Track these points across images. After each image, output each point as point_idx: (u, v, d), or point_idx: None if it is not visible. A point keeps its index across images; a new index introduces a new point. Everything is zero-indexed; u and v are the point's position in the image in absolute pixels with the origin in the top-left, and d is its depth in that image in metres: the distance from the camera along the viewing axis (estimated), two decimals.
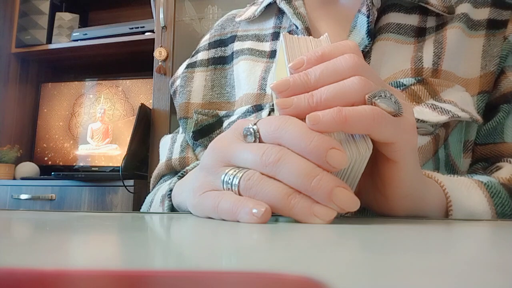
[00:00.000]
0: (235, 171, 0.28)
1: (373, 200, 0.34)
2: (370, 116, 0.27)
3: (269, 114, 0.50)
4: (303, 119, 0.27)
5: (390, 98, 0.28)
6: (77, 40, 1.91)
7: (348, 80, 0.28)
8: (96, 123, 1.94)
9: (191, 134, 0.56)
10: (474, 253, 0.16)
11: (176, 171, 0.58)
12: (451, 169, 0.49)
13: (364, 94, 0.28)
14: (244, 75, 0.55)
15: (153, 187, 0.62)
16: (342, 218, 0.34)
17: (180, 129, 0.63)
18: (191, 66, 0.62)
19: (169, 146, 0.61)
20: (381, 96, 0.28)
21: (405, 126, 0.29)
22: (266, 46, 0.56)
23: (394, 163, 0.30)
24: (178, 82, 0.63)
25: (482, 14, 0.52)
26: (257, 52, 0.56)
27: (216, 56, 0.61)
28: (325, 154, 0.25)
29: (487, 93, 0.50)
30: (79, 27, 1.99)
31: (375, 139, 0.28)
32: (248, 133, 0.29)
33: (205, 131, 0.56)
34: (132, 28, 1.83)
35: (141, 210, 0.58)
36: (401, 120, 0.28)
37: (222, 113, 0.56)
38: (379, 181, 0.32)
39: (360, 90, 0.28)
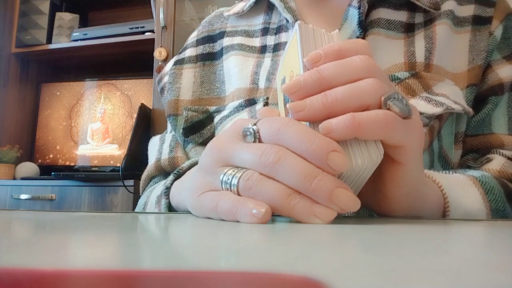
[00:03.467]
0: (234, 171, 0.28)
1: (373, 200, 0.34)
2: (383, 121, 0.26)
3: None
4: (317, 120, 0.27)
5: (402, 101, 0.28)
6: (77, 40, 1.91)
7: (363, 81, 0.28)
8: (96, 123, 1.94)
9: (181, 131, 0.56)
10: (473, 253, 0.16)
11: (165, 171, 0.58)
12: (444, 161, 0.51)
13: (379, 96, 0.27)
14: (236, 70, 0.55)
15: (143, 190, 0.61)
16: (342, 218, 0.34)
17: (169, 128, 0.62)
18: (179, 62, 0.62)
19: (158, 147, 0.60)
20: (394, 98, 0.27)
21: (414, 129, 0.29)
22: (256, 42, 0.57)
23: (400, 164, 0.30)
24: (166, 79, 0.62)
25: (467, 10, 0.54)
26: (248, 48, 0.57)
27: (204, 52, 0.61)
28: (325, 157, 0.25)
29: (475, 86, 0.52)
30: (79, 27, 1.99)
31: (386, 142, 0.28)
32: (248, 133, 0.29)
33: (196, 128, 0.56)
34: (132, 28, 1.83)
35: None
36: (410, 122, 0.28)
37: (212, 108, 0.56)
38: (380, 180, 0.32)
39: (376, 92, 0.27)
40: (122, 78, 1.94)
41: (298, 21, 0.31)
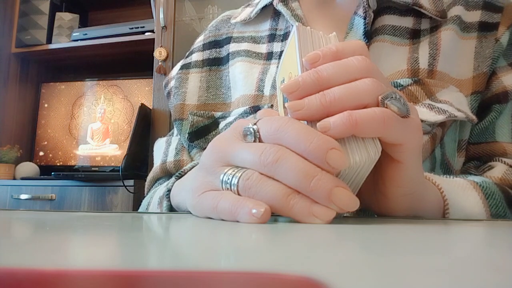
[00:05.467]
0: (234, 170, 0.28)
1: (372, 200, 0.34)
2: (380, 118, 0.27)
3: None
4: (316, 120, 0.27)
5: (400, 100, 0.28)
6: (77, 40, 1.91)
7: (360, 81, 0.28)
8: (96, 123, 1.94)
9: (186, 135, 0.56)
10: (473, 253, 0.16)
11: (171, 174, 0.58)
12: (446, 168, 0.50)
13: (377, 95, 0.28)
14: (241, 76, 0.55)
15: (148, 191, 0.61)
16: (342, 218, 0.34)
17: (175, 131, 0.62)
18: (185, 67, 0.62)
19: (164, 150, 0.60)
20: (392, 97, 0.28)
21: (412, 127, 0.29)
22: (263, 48, 0.57)
23: (399, 163, 0.30)
24: (172, 83, 0.62)
25: (474, 16, 0.53)
26: (254, 54, 0.56)
27: (211, 57, 0.61)
28: (325, 155, 0.25)
29: (480, 93, 0.51)
30: (79, 27, 1.99)
31: (384, 140, 0.28)
32: (248, 133, 0.29)
33: (201, 133, 0.56)
34: (132, 28, 1.83)
35: None
36: (408, 121, 0.28)
37: (217, 114, 0.56)
38: (380, 180, 0.32)
39: (373, 91, 0.27)
40: (122, 78, 1.94)
41: (296, 23, 0.31)
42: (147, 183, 0.62)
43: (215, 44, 0.61)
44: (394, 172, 0.30)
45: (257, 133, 0.29)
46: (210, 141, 0.32)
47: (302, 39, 0.31)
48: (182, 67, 0.62)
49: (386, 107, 0.27)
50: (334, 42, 0.32)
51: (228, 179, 0.28)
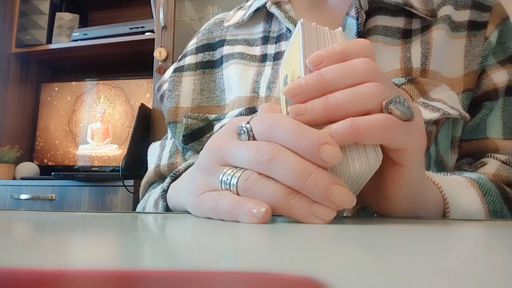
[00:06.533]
0: (232, 171, 0.28)
1: (373, 200, 0.34)
2: (383, 125, 0.26)
3: None
4: (318, 124, 0.27)
5: (404, 104, 0.27)
6: (77, 40, 1.91)
7: (364, 85, 0.27)
8: (96, 123, 1.94)
9: (181, 138, 0.56)
10: (473, 253, 0.16)
11: (165, 177, 0.58)
12: (440, 165, 0.51)
13: (381, 100, 0.27)
14: (236, 79, 0.55)
15: (143, 195, 0.61)
16: (342, 218, 0.34)
17: (169, 135, 0.62)
18: (178, 70, 0.62)
19: (158, 153, 0.60)
20: (396, 102, 0.27)
21: (416, 131, 0.29)
22: (257, 51, 0.57)
23: (401, 166, 0.29)
24: (165, 86, 0.62)
25: (463, 16, 0.54)
26: (248, 57, 0.56)
27: (204, 60, 0.61)
28: (318, 150, 0.25)
29: (471, 91, 0.52)
30: (79, 27, 2.00)
31: (386, 146, 0.28)
32: (242, 132, 0.29)
33: (195, 135, 0.56)
34: (132, 28, 1.83)
35: None
36: (412, 124, 0.28)
37: (212, 116, 0.56)
38: (381, 182, 0.31)
39: (377, 96, 0.27)
40: (122, 78, 1.94)
41: (301, 20, 0.30)
42: (141, 188, 0.62)
43: (208, 47, 0.61)
44: (396, 175, 0.30)
45: (250, 132, 0.28)
46: (205, 143, 0.32)
47: (307, 37, 0.30)
48: (175, 70, 0.62)
49: (390, 112, 0.27)
50: (339, 38, 0.31)
51: (228, 179, 0.28)
